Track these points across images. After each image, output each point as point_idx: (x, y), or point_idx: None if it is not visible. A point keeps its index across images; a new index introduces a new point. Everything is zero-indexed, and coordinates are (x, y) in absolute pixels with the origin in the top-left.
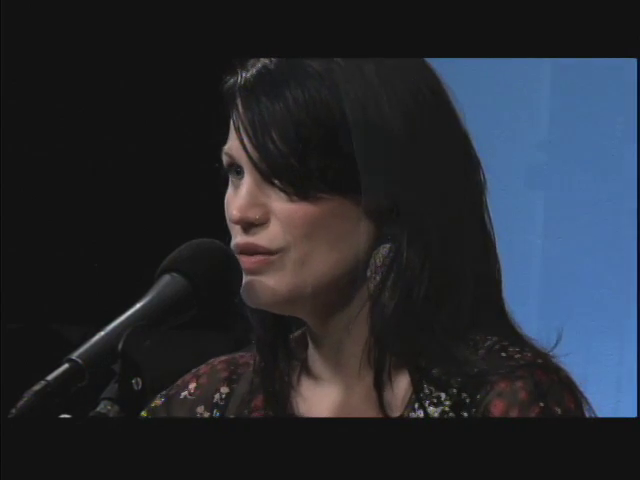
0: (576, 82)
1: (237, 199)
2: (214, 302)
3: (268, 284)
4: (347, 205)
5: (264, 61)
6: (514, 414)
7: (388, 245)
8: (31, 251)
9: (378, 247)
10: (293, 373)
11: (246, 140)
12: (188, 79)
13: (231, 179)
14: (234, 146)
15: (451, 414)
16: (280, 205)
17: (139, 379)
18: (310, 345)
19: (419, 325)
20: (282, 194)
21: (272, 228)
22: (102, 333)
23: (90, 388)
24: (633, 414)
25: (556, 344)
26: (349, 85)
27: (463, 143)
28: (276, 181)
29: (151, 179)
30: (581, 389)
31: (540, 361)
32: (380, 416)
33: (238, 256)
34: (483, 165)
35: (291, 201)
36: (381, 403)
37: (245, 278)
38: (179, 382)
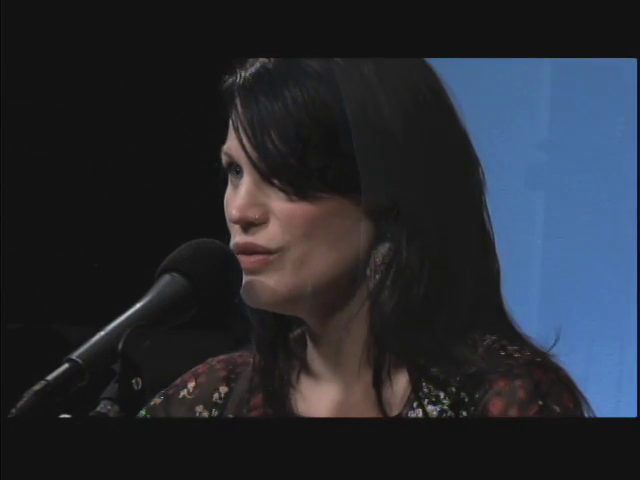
0: (576, 82)
1: (236, 199)
2: (214, 302)
3: (268, 284)
4: (346, 204)
5: (263, 61)
6: (513, 413)
7: (387, 244)
8: (31, 251)
9: (377, 246)
10: (292, 372)
11: (245, 140)
12: (188, 79)
13: (230, 179)
14: (233, 146)
15: (450, 413)
16: (279, 205)
17: (139, 379)
18: (309, 344)
19: (418, 324)
20: (281, 194)
21: (271, 228)
22: (102, 333)
23: (90, 388)
24: (633, 414)
25: (555, 343)
26: (348, 85)
27: (462, 142)
28: (275, 181)
29: (151, 179)
30: (580, 388)
31: (539, 360)
32: (379, 415)
33: (238, 256)
34: (483, 165)
35: (290, 201)
36: (380, 402)
37: (245, 278)
38: (178, 381)
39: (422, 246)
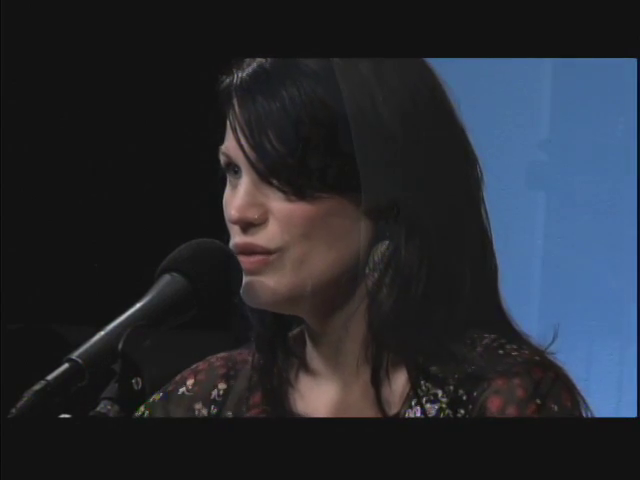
0: (576, 82)
1: (235, 199)
2: (214, 302)
3: (268, 284)
4: (345, 204)
5: (260, 61)
6: (511, 411)
7: (386, 242)
8: (31, 251)
9: (376, 245)
10: (291, 370)
11: (243, 140)
12: (188, 79)
13: (229, 179)
14: (231, 146)
15: (448, 411)
16: (278, 205)
17: (139, 379)
18: (309, 343)
19: (417, 322)
20: (280, 194)
21: (270, 228)
22: (102, 333)
23: (90, 388)
24: (634, 414)
25: (553, 341)
26: (346, 84)
27: (460, 140)
28: (274, 181)
29: (151, 179)
30: (578, 387)
31: (537, 358)
32: (378, 413)
33: (237, 256)
34: (484, 165)
35: (289, 201)
36: (379, 400)
37: (245, 278)
38: (177, 378)
39: (421, 244)
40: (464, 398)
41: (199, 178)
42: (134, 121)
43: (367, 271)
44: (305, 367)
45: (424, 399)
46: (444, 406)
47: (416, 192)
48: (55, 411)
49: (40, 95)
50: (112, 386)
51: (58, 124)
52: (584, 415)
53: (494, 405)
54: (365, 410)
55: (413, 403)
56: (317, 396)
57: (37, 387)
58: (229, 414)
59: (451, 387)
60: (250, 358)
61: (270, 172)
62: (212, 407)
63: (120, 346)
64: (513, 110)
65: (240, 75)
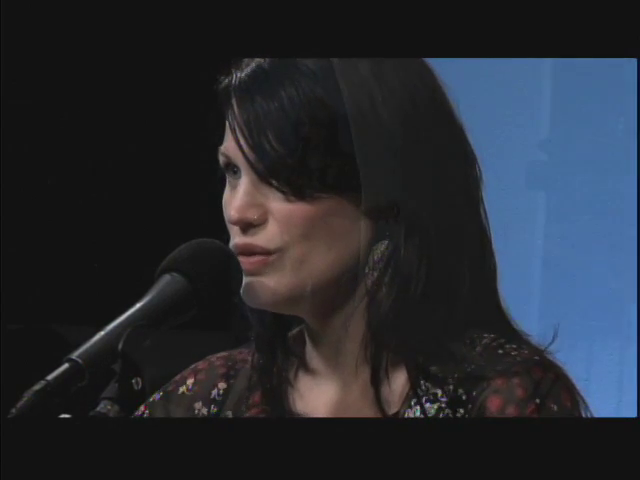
0: (576, 82)
1: (235, 200)
2: (214, 302)
3: (268, 284)
4: (345, 204)
5: (258, 61)
6: (510, 410)
7: (385, 242)
8: (31, 251)
9: (376, 244)
10: (291, 370)
11: (242, 141)
12: (187, 79)
13: (228, 179)
14: (230, 146)
15: (447, 411)
16: (278, 205)
17: (139, 379)
18: (308, 343)
19: (416, 321)
20: (279, 194)
21: (270, 228)
22: (102, 333)
23: (90, 388)
24: (634, 414)
25: (552, 341)
26: (345, 84)
27: (459, 139)
28: (273, 181)
29: (151, 179)
30: (578, 387)
31: (537, 358)
32: (377, 413)
33: (237, 257)
34: (484, 165)
35: (288, 201)
36: (378, 399)
37: (245, 279)
38: (177, 378)
39: (420, 244)
40: (464, 398)
41: (199, 178)
42: (134, 121)
43: (367, 270)
44: (304, 367)
45: (424, 399)
46: (443, 406)
47: (415, 192)
48: (55, 411)
49: (40, 95)
50: (112, 386)
51: (58, 124)
52: (583, 415)
53: (494, 405)
54: (364, 410)
55: (413, 403)
56: (317, 396)
57: (37, 387)
58: (229, 413)
59: (450, 387)
60: (250, 357)
61: (269, 172)
62: (212, 406)
63: (120, 346)
64: (513, 110)
65: (239, 75)
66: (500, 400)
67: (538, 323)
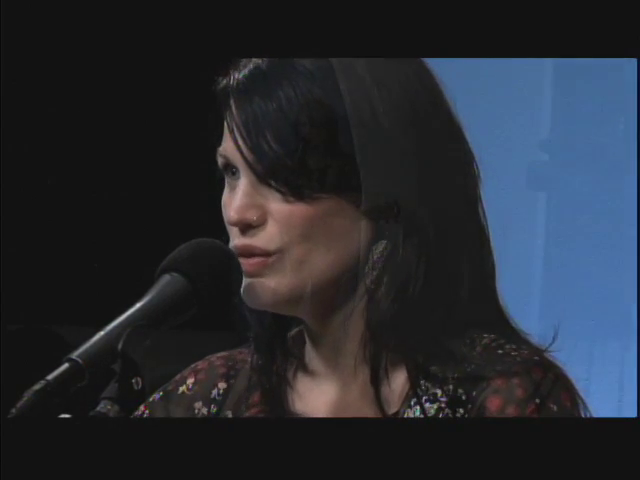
0: (577, 82)
1: (234, 201)
2: (214, 302)
3: (268, 285)
4: (344, 204)
5: (256, 61)
6: (510, 411)
7: (384, 241)
8: (31, 251)
9: (375, 244)
10: (290, 370)
11: (240, 141)
12: (187, 80)
13: (227, 180)
14: (229, 147)
15: (447, 410)
16: (277, 206)
17: (139, 379)
18: (308, 343)
19: (415, 321)
20: (278, 195)
21: (269, 229)
22: (102, 333)
23: (90, 388)
24: (634, 414)
25: (553, 341)
26: (342, 84)
27: (457, 138)
28: (272, 182)
29: (151, 179)
30: (578, 387)
31: (537, 358)
32: (377, 412)
33: (237, 258)
34: (484, 164)
35: (288, 202)
36: (378, 399)
37: (245, 280)
38: (177, 377)
39: (419, 243)
40: (463, 398)
41: (199, 178)
42: (134, 122)
43: (366, 270)
44: (304, 367)
45: (423, 398)
46: (443, 406)
47: (414, 191)
48: (55, 411)
49: (40, 95)
50: (112, 386)
51: (58, 124)
52: (583, 416)
53: (493, 405)
54: (364, 409)
55: (412, 403)
56: (316, 396)
57: (37, 387)
58: (229, 413)
59: (450, 387)
60: (250, 357)
61: (268, 173)
62: (212, 406)
63: (120, 346)
64: (513, 110)
65: (237, 76)
66: (500, 400)
67: (538, 323)
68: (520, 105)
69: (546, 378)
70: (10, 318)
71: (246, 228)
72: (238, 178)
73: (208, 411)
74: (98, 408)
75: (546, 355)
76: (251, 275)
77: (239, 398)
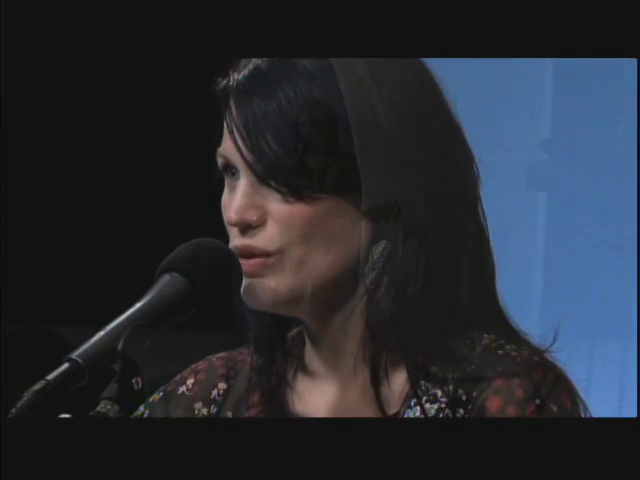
0: (577, 82)
1: (234, 201)
2: (214, 302)
3: (268, 285)
4: (344, 204)
5: (256, 61)
6: (510, 411)
7: (384, 241)
8: (31, 251)
9: (375, 244)
10: (290, 371)
11: (240, 142)
12: (187, 80)
13: (227, 180)
14: (228, 148)
15: (447, 411)
16: (277, 206)
17: (139, 379)
18: (308, 344)
19: (415, 321)
20: (278, 195)
21: (269, 229)
22: (102, 333)
23: (90, 388)
24: (635, 414)
25: (553, 342)
26: (342, 84)
27: (457, 138)
28: (272, 182)
29: (151, 179)
30: (578, 388)
31: (537, 359)
32: (377, 412)
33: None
34: (484, 165)
35: (288, 202)
36: (378, 399)
37: (245, 280)
38: (177, 378)
39: (419, 243)
40: (463, 398)
41: (199, 178)
42: (134, 122)
43: (366, 270)
44: (304, 368)
45: (424, 399)
46: (443, 406)
47: (414, 191)
48: (55, 411)
49: (40, 95)
50: (112, 386)
51: (58, 124)
52: (582, 415)
53: (493, 405)
54: (363, 410)
55: (412, 403)
56: (316, 397)
57: (37, 387)
58: (229, 414)
59: (450, 387)
60: (250, 358)
61: (268, 173)
62: (212, 407)
63: (120, 346)
64: (514, 110)
65: (236, 77)
66: (500, 401)
67: (539, 323)
68: (520, 105)
69: (546, 379)
70: (10, 318)
71: (246, 228)
72: (238, 178)
73: (208, 411)
74: (98, 408)
75: (546, 356)
76: (251, 275)
77: (239, 399)
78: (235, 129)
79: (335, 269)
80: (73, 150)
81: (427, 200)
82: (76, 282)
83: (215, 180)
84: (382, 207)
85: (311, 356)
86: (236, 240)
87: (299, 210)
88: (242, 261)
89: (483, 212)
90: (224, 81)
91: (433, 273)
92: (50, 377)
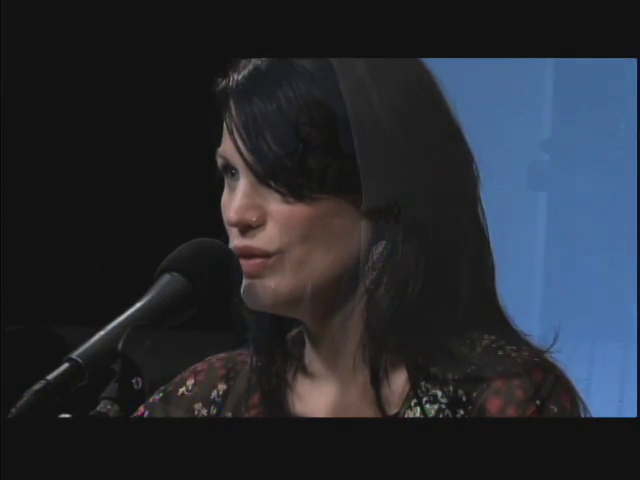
0: (577, 82)
1: (234, 201)
2: (214, 302)
3: (268, 286)
4: (344, 205)
5: (255, 62)
6: (510, 412)
7: (384, 242)
8: (31, 251)
9: (375, 244)
10: (289, 372)
11: (240, 142)
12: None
13: (226, 181)
14: (228, 148)
15: (447, 412)
16: (276, 207)
17: (139, 379)
18: (307, 344)
19: (415, 321)
20: (278, 195)
21: (269, 230)
22: (102, 333)
23: (90, 388)
24: (635, 414)
25: (554, 342)
26: (341, 84)
27: (456, 138)
28: (271, 182)
29: (151, 179)
30: (578, 388)
31: (537, 360)
32: (376, 413)
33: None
34: (485, 165)
35: (287, 202)
36: (378, 400)
37: (245, 281)
38: (177, 379)
39: (419, 244)
40: (464, 399)
41: (199, 178)
42: (134, 122)
43: (365, 270)
44: (303, 369)
45: (424, 399)
46: (444, 407)
47: (413, 191)
48: (55, 411)
49: (40, 95)
50: (112, 386)
51: (58, 125)
52: (582, 416)
53: (494, 406)
54: (363, 410)
55: (413, 404)
56: (316, 397)
57: (37, 387)
58: (228, 415)
59: (451, 388)
60: (249, 359)
61: (268, 174)
62: (212, 407)
63: (120, 346)
64: (514, 110)
65: (236, 77)
66: (500, 401)
67: (539, 324)
68: (520, 105)
69: (546, 379)
70: (10, 318)
71: (246, 229)
72: (237, 179)
73: (208, 412)
74: (98, 408)
75: (546, 356)
76: (251, 276)
77: (239, 400)
78: (235, 129)
79: (335, 269)
80: (73, 150)
81: (427, 200)
82: (76, 282)
83: (215, 180)
84: (382, 207)
85: (311, 357)
86: (236, 240)
87: (299, 210)
88: (242, 261)
89: (483, 212)
90: (224, 81)
91: (433, 273)
92: (50, 377)
